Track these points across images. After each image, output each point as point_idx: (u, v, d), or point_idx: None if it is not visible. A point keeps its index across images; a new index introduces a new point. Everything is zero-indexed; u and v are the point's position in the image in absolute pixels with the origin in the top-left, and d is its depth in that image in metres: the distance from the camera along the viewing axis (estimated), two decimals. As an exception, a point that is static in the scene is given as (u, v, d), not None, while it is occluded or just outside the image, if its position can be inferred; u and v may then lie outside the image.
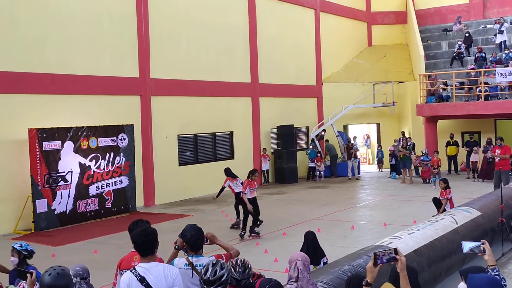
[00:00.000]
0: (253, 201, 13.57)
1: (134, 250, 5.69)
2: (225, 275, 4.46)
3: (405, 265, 4.17)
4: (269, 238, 13.44)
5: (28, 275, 4.87)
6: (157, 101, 19.50)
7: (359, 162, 25.63)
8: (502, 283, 4.30)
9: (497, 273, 4.37)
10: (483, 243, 4.51)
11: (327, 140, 26.08)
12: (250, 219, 13.68)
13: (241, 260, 4.87)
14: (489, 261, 4.45)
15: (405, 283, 4.16)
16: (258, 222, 13.68)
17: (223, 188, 15.29)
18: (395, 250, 4.21)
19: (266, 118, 24.28)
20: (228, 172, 15.22)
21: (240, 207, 14.47)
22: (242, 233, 13.35)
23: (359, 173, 25.20)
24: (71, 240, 14.05)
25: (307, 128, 26.97)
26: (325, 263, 8.16)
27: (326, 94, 27.75)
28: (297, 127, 25.79)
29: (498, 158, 17.69)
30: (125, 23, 18.53)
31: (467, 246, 4.56)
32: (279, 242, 12.85)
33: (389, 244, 8.16)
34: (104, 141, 17.08)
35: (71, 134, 16.08)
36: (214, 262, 4.57)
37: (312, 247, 8.20)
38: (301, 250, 8.33)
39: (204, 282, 4.44)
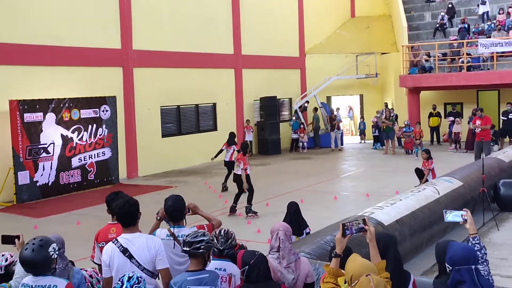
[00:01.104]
0: (248, 178, 13.31)
1: (111, 222, 5.68)
2: (205, 240, 4.50)
3: (374, 235, 4.18)
4: (252, 209, 13.44)
5: (16, 239, 4.87)
6: (139, 72, 19.30)
7: (342, 133, 25.68)
8: (482, 251, 4.35)
9: (477, 241, 4.41)
10: (464, 212, 4.54)
11: (315, 109, 25.95)
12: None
13: (224, 230, 4.88)
14: (470, 229, 4.50)
15: (375, 253, 4.18)
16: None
17: (221, 150, 16.11)
18: (364, 221, 4.21)
19: (249, 90, 24.17)
20: (230, 138, 16.10)
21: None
22: (234, 205, 13.16)
23: (342, 144, 25.28)
24: (54, 211, 14.00)
25: (290, 99, 26.93)
26: (307, 234, 8.21)
27: (309, 65, 27.66)
28: (280, 99, 25.73)
29: (479, 129, 17.81)
30: (106, -7, 18.22)
31: (449, 214, 4.59)
32: (262, 213, 12.89)
33: (371, 214, 8.23)
34: (87, 113, 16.92)
35: (53, 105, 15.90)
36: (199, 231, 4.64)
37: (294, 218, 8.23)
38: (283, 221, 8.36)
39: (183, 244, 4.52)
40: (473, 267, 4.01)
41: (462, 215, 4.51)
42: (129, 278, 4.10)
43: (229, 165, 15.61)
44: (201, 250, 4.49)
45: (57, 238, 4.90)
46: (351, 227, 4.16)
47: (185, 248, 4.53)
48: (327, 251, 6.40)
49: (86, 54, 17.54)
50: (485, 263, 4.29)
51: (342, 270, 4.02)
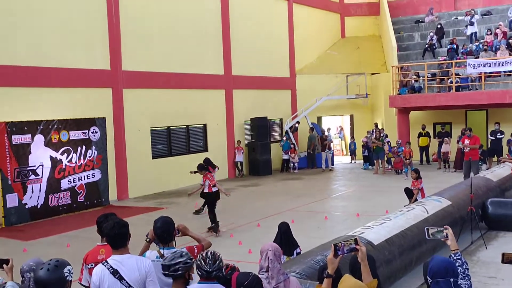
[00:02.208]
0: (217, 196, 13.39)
1: (100, 244, 5.67)
2: (182, 261, 4.51)
3: (365, 255, 4.23)
4: (243, 229, 13.46)
5: (4, 265, 4.86)
6: (129, 93, 19.34)
7: (332, 154, 25.76)
8: (464, 267, 4.42)
9: (459, 257, 4.47)
10: (445, 229, 4.60)
11: (312, 129, 26.01)
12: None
13: (211, 252, 4.88)
14: (451, 246, 4.57)
15: (367, 272, 4.22)
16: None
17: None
18: (356, 241, 4.26)
19: (240, 110, 24.26)
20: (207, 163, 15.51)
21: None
22: (213, 223, 13.17)
23: (332, 164, 25.35)
24: (43, 234, 13.90)
25: (281, 120, 27.02)
26: (298, 254, 8.21)
27: (300, 85, 27.81)
28: (270, 119, 25.83)
29: (468, 148, 17.94)
30: (96, 14, 18.31)
31: (430, 232, 4.65)
32: (253, 233, 12.89)
33: (361, 234, 8.25)
34: (76, 134, 16.89)
35: (41, 127, 15.88)
36: (177, 251, 4.67)
37: (285, 238, 8.23)
38: (274, 241, 8.36)
39: (162, 267, 4.54)
40: (451, 280, 4.06)
41: (443, 232, 4.58)
42: None
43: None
44: (179, 272, 4.51)
45: (35, 261, 4.89)
46: (342, 247, 4.21)
47: (164, 272, 4.55)
48: (319, 269, 6.42)
49: (74, 75, 17.55)
50: (466, 278, 4.35)
51: None
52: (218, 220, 13.14)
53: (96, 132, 17.48)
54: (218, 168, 17.34)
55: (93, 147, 17.40)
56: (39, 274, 4.17)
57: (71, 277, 4.30)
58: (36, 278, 4.21)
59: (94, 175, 17.48)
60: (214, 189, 13.29)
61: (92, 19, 18.22)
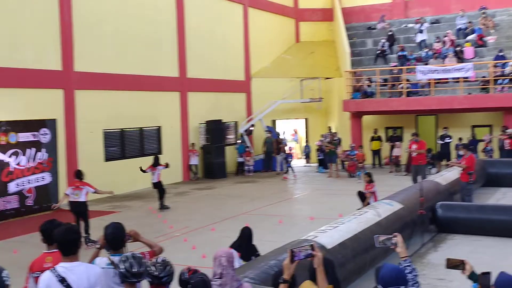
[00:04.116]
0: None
1: (46, 251, 5.53)
2: (142, 268, 4.46)
3: (321, 260, 4.25)
4: (198, 233, 13.38)
5: None
6: (81, 95, 18.99)
7: (286, 157, 25.80)
8: (413, 273, 4.49)
9: (408, 264, 4.54)
10: (395, 236, 4.65)
11: (269, 131, 26.10)
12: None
13: (161, 259, 4.82)
14: (400, 253, 4.63)
15: (321, 278, 4.25)
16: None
17: (144, 171, 16.96)
18: (312, 246, 4.28)
19: (195, 113, 24.13)
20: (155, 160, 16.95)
21: None
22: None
23: (290, 168, 25.44)
24: (-10, 239, 13.50)
25: (236, 123, 27.01)
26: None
27: (255, 89, 27.88)
28: (226, 122, 25.79)
29: (415, 153, 18.29)
30: (47, 14, 17.91)
31: (379, 239, 4.70)
32: (208, 237, 12.82)
33: (315, 237, 8.31)
34: (25, 136, 16.46)
35: (-11, 129, 15.46)
36: (132, 255, 4.53)
37: (246, 243, 8.26)
38: (234, 245, 8.36)
39: (133, 275, 4.41)
40: (402, 287, 4.13)
41: (392, 239, 4.63)
42: None
43: (158, 186, 16.76)
44: (137, 280, 4.46)
45: None
46: (299, 253, 4.22)
47: (131, 280, 4.45)
48: (271, 275, 6.42)
49: (24, 75, 17.10)
50: (416, 285, 4.43)
51: None
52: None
53: (46, 134, 17.10)
54: (167, 166, 17.35)
55: (43, 150, 17.00)
56: None
57: (9, 281, 4.18)
58: None
59: (44, 178, 17.08)
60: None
61: (43, 18, 17.81)
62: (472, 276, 4.49)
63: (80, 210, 12.81)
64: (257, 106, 27.02)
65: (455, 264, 4.59)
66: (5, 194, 15.89)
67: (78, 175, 13.15)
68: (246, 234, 8.44)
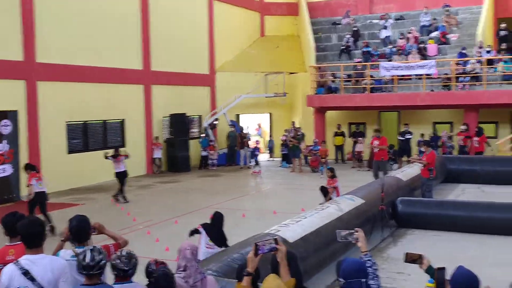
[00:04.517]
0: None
1: (9, 244, 5.51)
2: (103, 260, 4.52)
3: (284, 254, 4.35)
4: (161, 226, 13.40)
5: None
6: (44, 86, 18.72)
7: (258, 151, 25.87)
8: (373, 268, 4.61)
9: (368, 258, 4.66)
10: (356, 231, 4.78)
11: (233, 125, 26.15)
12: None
13: (126, 251, 4.87)
14: (361, 248, 4.75)
15: (285, 271, 4.35)
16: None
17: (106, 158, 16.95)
18: (276, 240, 4.38)
19: (159, 106, 24.03)
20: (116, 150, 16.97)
21: None
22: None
23: (251, 162, 25.57)
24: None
25: (200, 116, 26.98)
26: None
27: (219, 83, 27.87)
28: (190, 116, 25.73)
29: (377, 149, 18.61)
30: (7, 1, 17.57)
31: (341, 234, 4.82)
32: (171, 230, 12.84)
33: (278, 231, 8.43)
34: (-14, 128, 16.23)
35: (-51, 119, 15.15)
36: (91, 248, 4.58)
37: (216, 227, 8.54)
38: (208, 231, 8.56)
39: (83, 268, 4.46)
40: (363, 280, 4.24)
41: (353, 234, 4.75)
42: None
43: (124, 175, 16.84)
44: (99, 271, 4.53)
45: None
46: (263, 246, 4.32)
47: (86, 272, 4.50)
48: (235, 268, 6.51)
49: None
50: (375, 278, 4.54)
51: None
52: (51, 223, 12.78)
53: (7, 126, 16.85)
54: (127, 157, 17.28)
55: (4, 141, 16.75)
56: None
57: None
58: None
59: (5, 170, 16.85)
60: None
61: (4, 7, 17.46)
62: (429, 270, 4.63)
63: (45, 199, 13.04)
64: (222, 100, 27.04)
65: (413, 259, 4.72)
66: (-36, 186, 15.63)
67: (33, 167, 13.31)
68: (217, 217, 8.62)
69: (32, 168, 13.25)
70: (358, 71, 25.74)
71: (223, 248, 8.18)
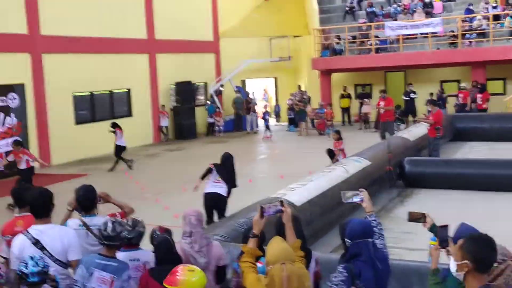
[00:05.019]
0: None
1: (17, 215, 5.60)
2: (123, 232, 4.66)
3: (290, 216, 4.39)
4: (169, 194, 13.51)
5: None
6: (49, 59, 18.71)
7: (257, 116, 25.89)
8: (379, 227, 4.65)
9: (373, 218, 4.69)
10: (361, 192, 4.80)
11: (238, 90, 26.06)
12: None
13: (131, 219, 4.95)
14: (366, 208, 4.76)
15: (291, 233, 4.39)
16: None
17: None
18: (281, 202, 4.42)
19: (164, 75, 23.97)
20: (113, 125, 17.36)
21: None
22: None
23: (257, 127, 25.59)
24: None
25: (205, 84, 26.91)
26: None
27: (224, 49, 27.69)
28: (195, 83, 25.68)
29: (383, 110, 18.54)
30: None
31: (346, 196, 4.84)
32: (179, 197, 12.95)
33: (284, 195, 8.49)
34: (-8, 102, 16.31)
35: (-45, 95, 15.22)
36: (113, 220, 4.70)
37: (225, 167, 9.29)
38: (219, 172, 9.21)
39: (104, 237, 4.58)
40: (369, 240, 4.29)
41: (358, 195, 4.77)
42: (31, 257, 4.16)
43: (121, 149, 17.20)
44: (118, 243, 4.62)
45: None
46: (268, 209, 4.35)
47: (107, 242, 4.60)
48: (241, 233, 6.59)
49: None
50: (381, 238, 4.58)
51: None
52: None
53: (14, 99, 16.92)
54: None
55: (12, 114, 16.83)
56: None
57: None
58: None
59: (14, 143, 16.94)
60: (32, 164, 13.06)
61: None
62: (432, 229, 4.64)
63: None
64: (226, 66, 26.91)
65: (416, 217, 4.73)
66: (-25, 159, 15.77)
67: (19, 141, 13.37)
68: (225, 158, 9.37)
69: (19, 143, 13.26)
70: (363, 32, 25.48)
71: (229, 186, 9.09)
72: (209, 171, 9.39)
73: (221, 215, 9.04)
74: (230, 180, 9.29)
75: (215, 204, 9.21)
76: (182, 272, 3.80)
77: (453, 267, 3.58)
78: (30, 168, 13.02)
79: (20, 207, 5.61)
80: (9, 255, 5.31)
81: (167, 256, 4.52)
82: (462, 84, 22.19)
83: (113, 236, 4.56)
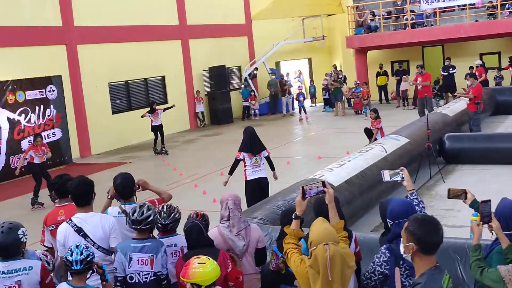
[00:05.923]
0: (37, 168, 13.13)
1: (59, 205, 5.71)
2: (152, 216, 4.73)
3: (333, 196, 4.34)
4: (207, 179, 13.58)
5: None
6: (84, 49, 18.95)
7: (292, 98, 25.72)
8: (421, 205, 4.57)
9: (415, 197, 4.62)
10: (401, 170, 4.72)
11: (273, 73, 25.98)
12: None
13: (166, 205, 5.00)
14: (407, 186, 4.70)
15: (334, 213, 4.34)
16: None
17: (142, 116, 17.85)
18: (323, 183, 4.37)
19: (198, 60, 24.02)
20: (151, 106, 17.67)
21: None
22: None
23: (293, 109, 25.47)
24: (6, 196, 13.83)
25: (239, 67, 26.88)
26: (266, 157, 9.13)
27: (256, 32, 27.56)
28: (229, 67, 25.67)
29: (420, 86, 18.20)
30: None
31: (386, 175, 4.77)
32: (217, 182, 12.97)
33: (322, 176, 8.43)
34: (32, 94, 16.57)
35: (-4, 89, 15.54)
36: (141, 204, 4.81)
37: (252, 139, 9.06)
38: (244, 145, 9.11)
39: (132, 222, 4.71)
40: None
41: (399, 174, 4.69)
42: (77, 246, 4.23)
43: (156, 129, 17.61)
44: (148, 226, 4.72)
45: None
46: (310, 190, 4.31)
47: (134, 226, 4.68)
48: (279, 215, 6.58)
49: (25, 33, 17.05)
50: None
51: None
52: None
53: (53, 91, 17.18)
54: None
55: (51, 106, 17.13)
56: None
57: (26, 238, 4.37)
58: None
59: (55, 134, 17.27)
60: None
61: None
62: (474, 205, 4.55)
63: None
64: (260, 49, 26.78)
65: (456, 194, 4.65)
66: (19, 152, 16.06)
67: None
68: (246, 132, 9.17)
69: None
70: (398, 7, 25.01)
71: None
72: (237, 163, 9.17)
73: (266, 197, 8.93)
74: (263, 147, 9.15)
75: (261, 189, 8.94)
76: (194, 265, 3.84)
77: (402, 249, 3.62)
78: (41, 163, 13.01)
79: (61, 197, 5.72)
80: (52, 245, 5.43)
81: (198, 241, 4.56)
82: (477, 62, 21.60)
83: (140, 220, 4.66)
